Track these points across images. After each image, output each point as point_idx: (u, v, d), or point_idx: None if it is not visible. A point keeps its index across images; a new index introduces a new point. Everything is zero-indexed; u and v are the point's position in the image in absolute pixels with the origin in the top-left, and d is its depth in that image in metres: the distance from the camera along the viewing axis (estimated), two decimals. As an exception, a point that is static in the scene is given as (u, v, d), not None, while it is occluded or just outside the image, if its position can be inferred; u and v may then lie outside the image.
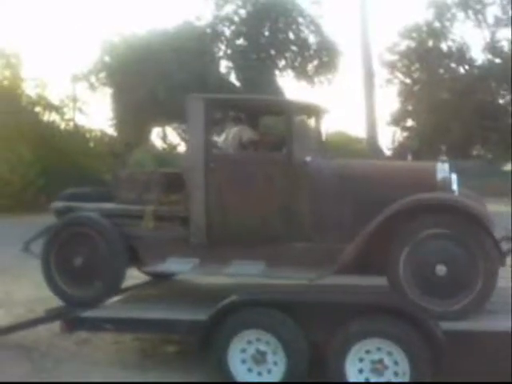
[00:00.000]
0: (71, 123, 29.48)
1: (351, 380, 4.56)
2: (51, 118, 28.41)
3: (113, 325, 5.69)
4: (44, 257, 6.22)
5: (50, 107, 28.08)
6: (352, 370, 4.59)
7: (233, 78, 34.72)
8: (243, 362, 4.89)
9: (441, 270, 4.89)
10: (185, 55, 29.87)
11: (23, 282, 9.83)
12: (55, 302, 6.47)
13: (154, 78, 29.39)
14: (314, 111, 6.70)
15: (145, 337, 6.62)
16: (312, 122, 6.73)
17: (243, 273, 5.81)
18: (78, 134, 28.79)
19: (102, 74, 33.31)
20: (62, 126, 28.89)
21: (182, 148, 49.93)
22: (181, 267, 5.96)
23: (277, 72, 34.59)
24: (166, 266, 5.92)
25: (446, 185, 5.39)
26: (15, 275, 10.25)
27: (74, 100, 30.36)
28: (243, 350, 4.90)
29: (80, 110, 30.07)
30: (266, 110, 6.81)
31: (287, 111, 5.83)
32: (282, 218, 5.68)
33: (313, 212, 5.67)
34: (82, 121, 31.28)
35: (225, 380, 4.92)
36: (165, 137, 54.70)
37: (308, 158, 5.77)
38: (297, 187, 5.66)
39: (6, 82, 29.23)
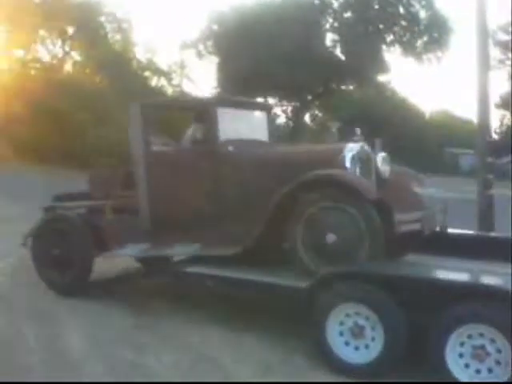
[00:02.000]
0: (178, 89, 30.15)
1: (450, 363, 4.51)
2: (159, 83, 29.15)
3: (214, 282, 5.89)
4: (32, 248, 7.26)
5: (159, 72, 28.80)
6: (452, 354, 4.52)
7: (338, 52, 34.21)
8: (341, 334, 4.92)
9: (330, 238, 5.37)
10: (291, 26, 29.67)
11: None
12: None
13: (259, 49, 29.46)
14: (257, 107, 7.64)
15: (236, 298, 6.80)
16: (257, 116, 7.37)
17: (182, 253, 6.50)
18: (183, 101, 29.41)
19: (209, 43, 33.75)
20: (170, 91, 29.60)
21: (280, 120, 50.06)
22: (135, 251, 6.79)
23: (384, 47, 33.74)
24: (124, 251, 6.80)
25: (344, 163, 5.79)
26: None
27: (182, 66, 31.01)
28: (341, 323, 4.93)
29: (187, 76, 30.70)
30: (195, 108, 7.33)
31: (209, 108, 6.43)
32: (211, 204, 6.32)
33: (236, 196, 6.22)
34: (188, 88, 31.88)
35: (323, 349, 4.99)
36: (266, 107, 55.01)
37: (230, 148, 6.32)
38: (222, 175, 6.28)
39: (117, 46, 30.16)
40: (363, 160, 6.06)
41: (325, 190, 5.47)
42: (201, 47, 33.91)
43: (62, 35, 30.12)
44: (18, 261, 8.22)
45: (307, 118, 43.63)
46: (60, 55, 30.78)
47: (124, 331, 5.82)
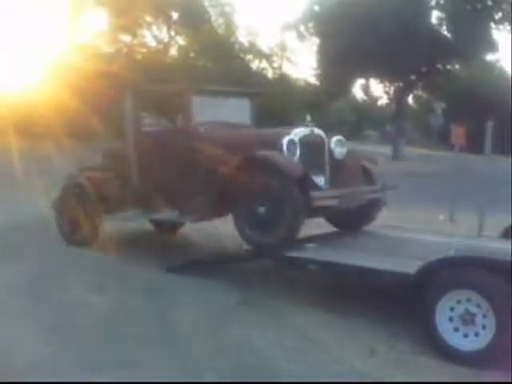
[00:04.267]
0: (278, 71, 30.21)
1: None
2: (261, 66, 29.32)
3: (317, 266, 5.88)
4: (56, 210, 8.60)
5: (260, 55, 28.95)
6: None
7: (444, 30, 32.99)
8: (450, 320, 4.82)
9: (261, 210, 6.34)
10: (395, 5, 28.89)
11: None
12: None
13: (360, 29, 28.93)
14: (238, 95, 8.49)
15: (348, 283, 6.79)
16: (238, 103, 8.14)
17: (164, 218, 7.86)
18: (284, 83, 29.45)
19: (311, 24, 33.50)
20: (270, 73, 29.71)
21: (383, 101, 49.04)
22: (131, 216, 8.09)
23: (492, 25, 32.17)
24: (124, 216, 8.11)
25: (285, 146, 6.62)
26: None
27: (283, 49, 31.00)
28: (452, 309, 4.82)
29: (288, 58, 30.68)
30: (175, 95, 8.14)
31: (185, 95, 7.46)
32: (186, 177, 7.28)
33: (203, 171, 7.15)
34: (288, 70, 31.89)
35: (431, 335, 4.91)
36: (367, 89, 54.13)
37: (201, 129, 7.29)
38: (194, 152, 7.20)
39: (220, 30, 30.55)
40: (315, 143, 7.01)
41: (259, 169, 6.43)
42: (302, 28, 33.71)
43: (167, 20, 30.87)
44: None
45: (410, 99, 42.51)
46: (165, 40, 31.60)
47: (228, 308, 5.95)
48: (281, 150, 6.59)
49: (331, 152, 7.13)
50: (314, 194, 6.35)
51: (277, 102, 26.51)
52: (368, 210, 7.34)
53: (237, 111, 8.02)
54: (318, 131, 7.12)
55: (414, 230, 7.80)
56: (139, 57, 28.23)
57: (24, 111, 9.62)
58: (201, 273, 6.90)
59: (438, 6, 32.56)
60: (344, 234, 7.44)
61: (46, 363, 4.56)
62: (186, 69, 22.99)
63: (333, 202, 6.57)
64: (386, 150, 36.72)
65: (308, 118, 7.16)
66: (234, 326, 5.43)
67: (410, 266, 5.19)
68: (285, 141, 6.63)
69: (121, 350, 4.85)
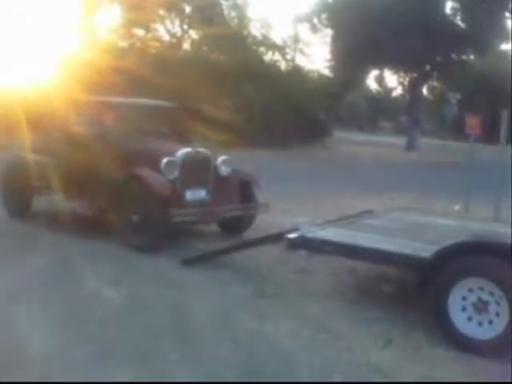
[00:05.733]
0: (291, 63, 30.15)
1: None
2: (274, 58, 29.28)
3: (333, 248, 5.82)
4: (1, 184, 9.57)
5: (273, 47, 28.91)
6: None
7: (458, 20, 32.74)
8: (463, 309, 4.81)
9: (134, 218, 7.63)
10: (408, -5, 28.72)
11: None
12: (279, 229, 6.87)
13: (374, 20, 28.78)
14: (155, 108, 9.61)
15: (361, 273, 6.83)
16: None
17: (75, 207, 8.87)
18: (297, 75, 29.39)
19: (324, 16, 33.38)
20: (283, 65, 29.66)
21: (397, 92, 48.76)
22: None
23: (506, 14, 31.85)
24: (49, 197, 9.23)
25: (164, 166, 7.74)
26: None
27: (296, 41, 30.94)
28: (464, 298, 4.82)
29: (301, 50, 30.61)
30: (100, 105, 8.86)
31: (106, 105, 8.66)
32: (91, 176, 8.21)
33: (101, 176, 8.03)
34: (301, 61, 31.82)
35: (444, 324, 4.92)
36: (381, 80, 53.83)
37: (84, 128, 8.60)
38: (97, 156, 7.99)
39: (233, 23, 30.53)
40: (199, 161, 8.09)
41: (136, 183, 7.67)
42: (315, 20, 33.60)
43: (180, 14, 30.90)
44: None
45: (425, 89, 42.22)
46: (178, 34, 31.64)
47: (242, 300, 5.98)
48: (160, 168, 7.73)
49: (217, 169, 8.29)
50: (174, 211, 7.43)
51: (290, 94, 26.47)
52: (246, 220, 8.60)
53: (157, 122, 9.24)
54: (203, 151, 8.27)
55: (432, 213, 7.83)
56: (153, 51, 28.30)
57: (36, 107, 9.82)
58: (214, 265, 6.96)
59: (452, -4, 32.34)
60: (361, 216, 7.46)
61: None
62: (199, 62, 22.99)
63: (190, 219, 7.77)
64: (401, 141, 36.59)
65: (198, 144, 8.57)
66: (249, 317, 5.45)
67: (426, 250, 5.18)
68: (164, 161, 7.74)
69: (135, 342, 4.89)
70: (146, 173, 7.70)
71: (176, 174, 7.82)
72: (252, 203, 8.60)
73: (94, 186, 8.20)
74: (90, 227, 8.41)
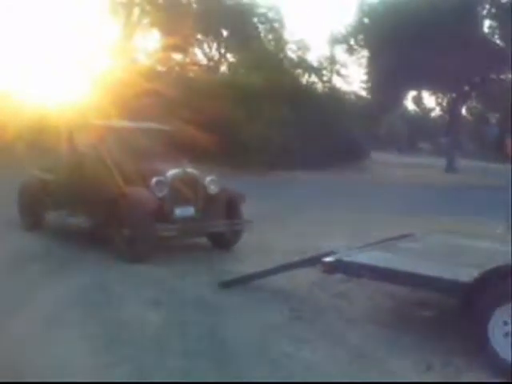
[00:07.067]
0: (328, 85, 30.18)
1: None
2: (310, 80, 29.36)
3: (370, 272, 5.75)
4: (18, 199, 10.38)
5: (310, 69, 29.00)
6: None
7: (496, 39, 32.42)
8: (506, 335, 4.70)
9: (125, 232, 8.15)
10: (446, 15, 28.56)
11: (280, 233, 10.56)
12: (313, 252, 6.85)
13: (411, 40, 28.69)
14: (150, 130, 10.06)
15: (399, 298, 6.74)
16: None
17: (75, 223, 9.34)
18: (334, 96, 29.38)
19: (360, 36, 33.41)
20: (320, 87, 29.69)
21: (436, 112, 48.35)
22: (58, 216, 9.78)
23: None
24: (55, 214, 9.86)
25: (153, 184, 8.37)
26: (272, 226, 11.04)
27: (332, 62, 31.01)
28: (505, 323, 4.71)
29: (337, 72, 30.63)
30: (99, 128, 9.41)
31: (104, 129, 9.32)
32: (90, 193, 8.76)
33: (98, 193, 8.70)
34: (338, 83, 31.86)
35: (486, 351, 4.81)
36: (419, 101, 53.52)
37: (85, 150, 9.22)
38: (107, 176, 8.52)
39: (269, 46, 30.79)
40: (187, 181, 8.61)
41: (127, 200, 8.19)
42: (351, 41, 33.66)
43: (218, 38, 31.32)
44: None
45: (464, 110, 41.76)
46: (216, 57, 32.05)
47: (279, 323, 5.93)
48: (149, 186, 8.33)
49: (205, 188, 8.84)
50: (160, 225, 8.09)
51: (328, 115, 26.47)
52: (232, 236, 9.17)
53: (153, 144, 9.49)
54: (191, 171, 8.86)
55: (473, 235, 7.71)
56: (191, 75, 28.68)
57: (54, 127, 10.30)
58: (250, 288, 6.95)
59: (490, 15, 32.08)
60: (400, 239, 7.38)
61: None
62: (236, 85, 23.22)
63: (173, 234, 8.23)
64: (440, 162, 36.18)
65: (187, 162, 9.05)
66: (285, 341, 5.41)
67: (465, 274, 5.10)
68: (153, 180, 8.33)
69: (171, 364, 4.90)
70: (134, 191, 8.32)
71: (165, 192, 8.40)
72: (237, 220, 9.16)
73: (91, 203, 8.77)
74: (89, 240, 8.97)
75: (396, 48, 28.79)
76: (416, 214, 13.58)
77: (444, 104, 39.43)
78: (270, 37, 33.46)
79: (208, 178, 9.00)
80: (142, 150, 9.22)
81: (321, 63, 30.09)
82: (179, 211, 8.51)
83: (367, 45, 33.45)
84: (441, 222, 12.11)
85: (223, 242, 9.25)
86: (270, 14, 33.97)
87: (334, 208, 14.15)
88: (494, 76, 34.01)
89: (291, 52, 30.66)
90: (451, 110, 36.04)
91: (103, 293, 6.69)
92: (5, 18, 20.96)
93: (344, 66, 31.83)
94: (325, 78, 29.87)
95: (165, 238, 8.30)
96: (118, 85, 19.06)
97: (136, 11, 28.55)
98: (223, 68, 32.77)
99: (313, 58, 30.99)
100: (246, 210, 9.48)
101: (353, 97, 34.19)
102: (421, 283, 5.51)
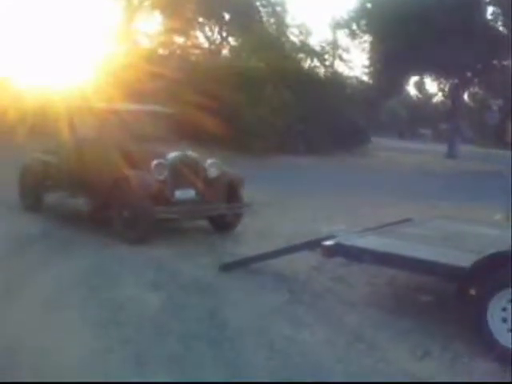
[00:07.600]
0: (330, 70, 30.03)
1: None
2: (312, 64, 29.21)
3: (370, 257, 5.77)
4: (19, 179, 10.44)
5: (312, 54, 28.84)
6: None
7: (500, 25, 32.24)
8: (504, 321, 4.72)
9: (125, 214, 8.26)
10: (448, 2, 28.35)
11: (282, 217, 10.57)
12: (313, 237, 6.82)
13: (414, 25, 28.50)
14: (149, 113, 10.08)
15: (398, 282, 6.76)
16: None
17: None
18: (335, 81, 29.25)
19: (363, 21, 33.21)
20: (322, 72, 29.55)
21: (438, 98, 48.19)
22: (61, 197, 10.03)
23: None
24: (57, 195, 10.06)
25: (153, 167, 8.34)
26: (275, 210, 11.04)
27: (335, 47, 30.84)
28: (504, 309, 4.72)
29: (339, 57, 30.48)
30: (99, 111, 9.46)
31: (104, 112, 9.34)
32: (91, 177, 8.90)
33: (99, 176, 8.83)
34: (340, 68, 31.66)
35: (484, 336, 4.83)
36: (421, 86, 53.32)
37: (86, 133, 9.22)
38: (108, 159, 8.64)
39: (271, 30, 30.59)
40: (187, 164, 8.60)
41: (127, 183, 8.21)
42: (354, 26, 33.46)
43: (219, 21, 31.15)
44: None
45: (466, 96, 41.63)
46: (217, 41, 31.90)
47: (278, 306, 5.95)
48: (149, 169, 8.31)
49: (206, 171, 8.83)
50: (158, 208, 8.08)
51: (329, 100, 26.36)
52: (233, 219, 9.19)
53: (154, 127, 9.58)
54: (191, 154, 8.83)
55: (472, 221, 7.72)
56: (192, 58, 28.55)
57: (56, 109, 10.24)
58: (249, 271, 6.97)
59: (494, 1, 31.84)
60: (399, 224, 7.39)
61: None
62: (237, 69, 23.12)
63: (173, 216, 8.32)
64: (440, 148, 36.12)
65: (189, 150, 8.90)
66: (284, 324, 5.43)
67: (465, 259, 5.10)
68: (154, 163, 8.31)
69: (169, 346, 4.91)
70: (133, 173, 8.32)
71: (165, 174, 8.41)
72: (237, 203, 9.20)
73: (92, 185, 8.85)
74: (89, 222, 9.12)
75: (398, 33, 28.63)
76: (416, 199, 13.58)
77: (446, 90, 39.27)
78: (272, 21, 33.24)
79: (208, 161, 9.00)
80: (142, 132, 9.22)
81: (323, 48, 29.96)
82: (179, 194, 8.52)
83: (369, 30, 33.26)
84: (440, 208, 12.12)
85: (224, 225, 9.26)
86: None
87: (335, 193, 14.14)
88: (496, 63, 33.86)
89: (293, 36, 30.51)
90: (453, 96, 35.91)
91: (102, 275, 6.71)
92: (6, 2, 20.86)
93: (346, 50, 31.71)
94: (327, 63, 29.76)
95: (165, 221, 8.34)
96: (120, 68, 18.99)
97: (137, -7, 28.37)
98: (225, 51, 32.62)
99: (315, 42, 30.76)
100: (246, 193, 9.48)
101: (355, 82, 34.04)
102: (420, 268, 5.51)
